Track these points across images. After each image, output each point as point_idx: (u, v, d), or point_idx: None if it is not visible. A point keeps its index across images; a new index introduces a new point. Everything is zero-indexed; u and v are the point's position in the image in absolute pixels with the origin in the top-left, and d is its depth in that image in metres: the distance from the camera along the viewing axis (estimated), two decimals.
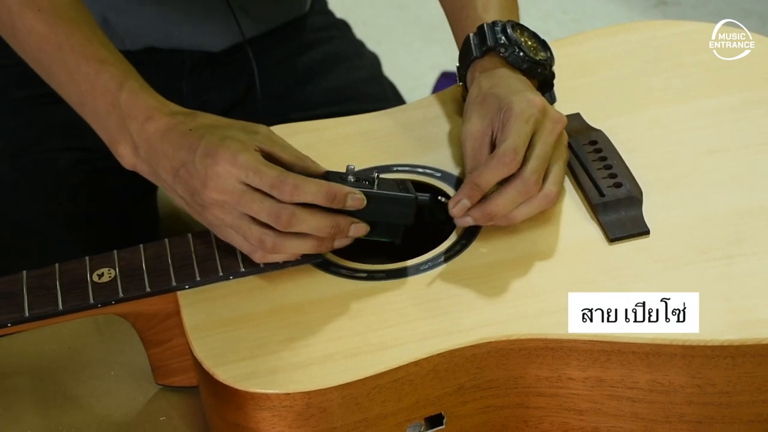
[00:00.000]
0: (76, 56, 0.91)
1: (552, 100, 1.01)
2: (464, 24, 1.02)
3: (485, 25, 0.99)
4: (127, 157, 0.90)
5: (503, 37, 0.97)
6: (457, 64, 1.02)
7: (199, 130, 0.87)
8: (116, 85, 0.90)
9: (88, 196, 1.16)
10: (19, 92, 1.17)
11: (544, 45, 1.00)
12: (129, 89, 0.90)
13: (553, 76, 1.00)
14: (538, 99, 0.92)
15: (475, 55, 0.98)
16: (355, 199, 0.87)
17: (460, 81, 1.02)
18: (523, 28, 1.00)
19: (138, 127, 0.89)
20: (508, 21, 0.99)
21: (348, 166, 0.90)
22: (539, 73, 0.98)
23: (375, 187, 0.89)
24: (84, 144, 1.16)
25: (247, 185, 0.85)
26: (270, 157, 0.87)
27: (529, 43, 0.98)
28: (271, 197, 0.85)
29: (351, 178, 0.89)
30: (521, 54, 0.97)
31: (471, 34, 1.00)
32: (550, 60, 0.99)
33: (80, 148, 1.16)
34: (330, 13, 1.34)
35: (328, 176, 0.89)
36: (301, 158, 0.89)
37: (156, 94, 0.91)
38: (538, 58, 0.98)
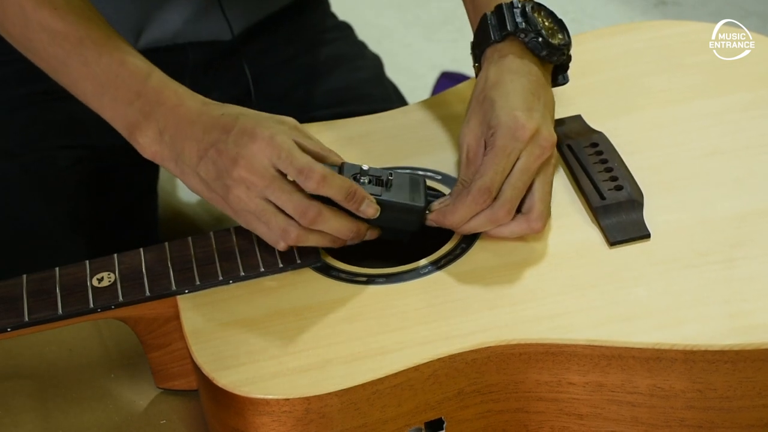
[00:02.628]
0: (98, 49, 0.92)
1: (564, 80, 0.99)
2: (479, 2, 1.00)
3: (504, 5, 0.96)
4: (147, 144, 0.90)
5: (523, 21, 0.95)
6: (473, 41, 0.99)
7: (231, 115, 0.88)
8: (143, 74, 0.91)
9: (88, 193, 1.16)
10: (19, 89, 1.17)
11: (561, 25, 0.97)
12: (157, 78, 0.91)
13: (569, 59, 0.98)
14: (528, 126, 0.89)
15: (493, 39, 0.96)
16: (370, 206, 0.87)
17: (475, 62, 0.99)
18: (541, 8, 0.97)
19: (167, 111, 0.89)
20: (527, 0, 0.96)
21: (362, 167, 0.90)
22: (557, 59, 0.97)
23: (388, 187, 0.89)
24: (84, 142, 1.16)
25: (278, 171, 0.85)
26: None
27: (547, 23, 0.96)
28: (298, 191, 0.85)
29: (364, 180, 0.89)
30: (540, 40, 0.94)
31: (488, 13, 0.97)
32: (568, 44, 0.97)
33: (80, 145, 1.16)
34: (332, 15, 1.34)
35: (344, 167, 0.89)
36: (326, 150, 0.90)
37: (183, 85, 0.92)
38: (556, 42, 0.95)
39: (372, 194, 0.88)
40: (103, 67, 0.91)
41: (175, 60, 1.20)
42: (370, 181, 0.89)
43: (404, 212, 0.89)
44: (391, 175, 0.90)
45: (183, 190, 1.74)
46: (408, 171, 0.93)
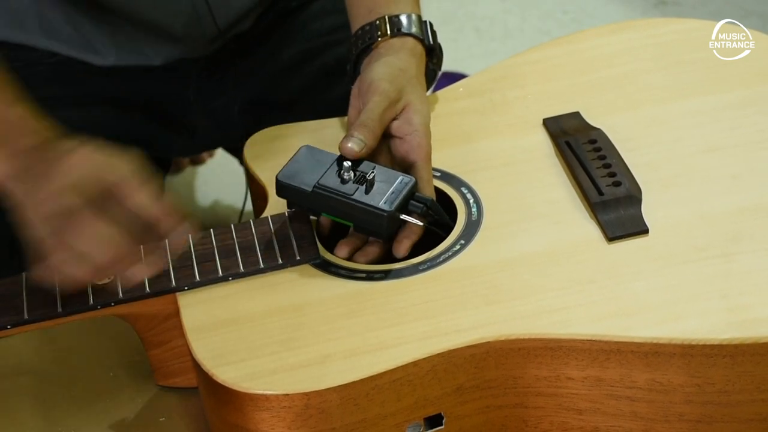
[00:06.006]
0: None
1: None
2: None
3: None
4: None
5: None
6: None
7: (66, 143, 0.85)
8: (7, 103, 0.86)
9: None
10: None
11: None
12: (20, 110, 0.86)
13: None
14: None
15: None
16: (177, 240, 0.86)
17: None
18: None
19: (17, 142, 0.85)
20: None
21: (344, 164, 0.90)
22: None
23: (367, 186, 0.89)
24: None
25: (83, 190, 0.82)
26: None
27: None
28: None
29: (349, 175, 0.89)
30: None
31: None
32: None
33: None
34: (343, 12, 1.30)
35: (337, 160, 0.90)
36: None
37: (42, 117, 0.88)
38: None
39: (343, 192, 0.88)
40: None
41: (179, 67, 1.19)
42: (355, 176, 0.89)
43: (369, 215, 0.88)
44: (373, 174, 0.89)
45: (187, 192, 1.74)
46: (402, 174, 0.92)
